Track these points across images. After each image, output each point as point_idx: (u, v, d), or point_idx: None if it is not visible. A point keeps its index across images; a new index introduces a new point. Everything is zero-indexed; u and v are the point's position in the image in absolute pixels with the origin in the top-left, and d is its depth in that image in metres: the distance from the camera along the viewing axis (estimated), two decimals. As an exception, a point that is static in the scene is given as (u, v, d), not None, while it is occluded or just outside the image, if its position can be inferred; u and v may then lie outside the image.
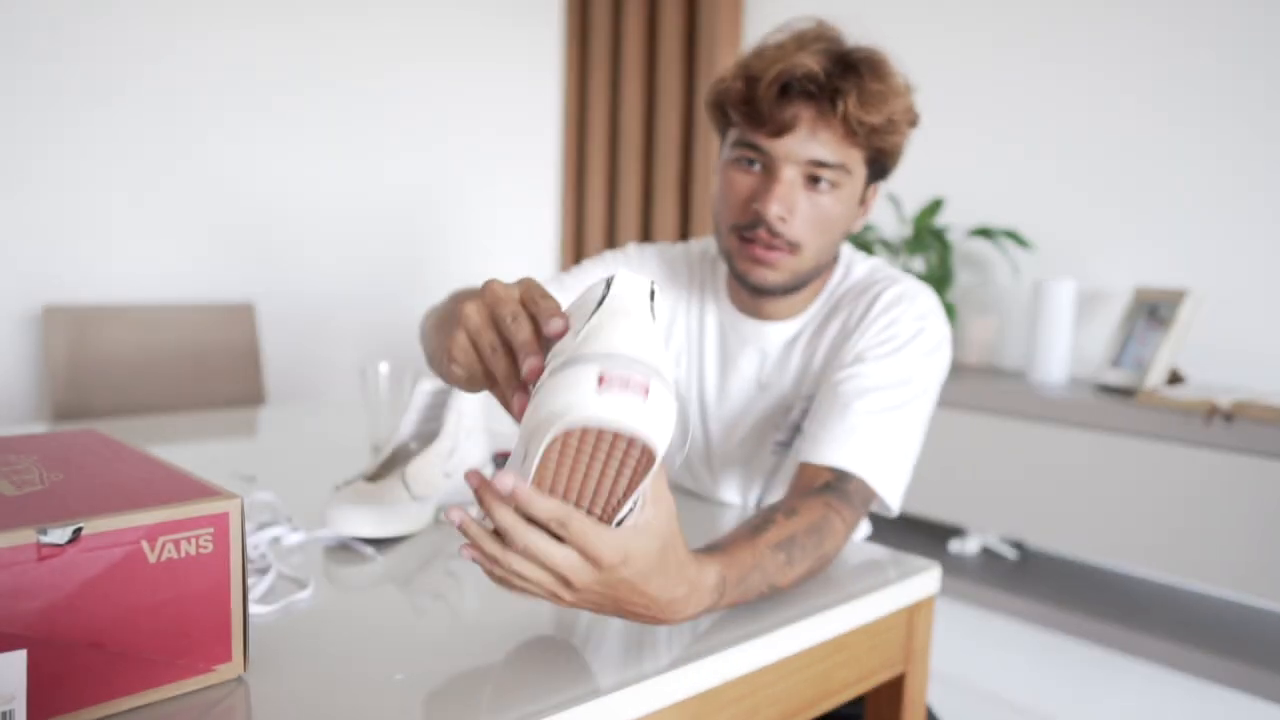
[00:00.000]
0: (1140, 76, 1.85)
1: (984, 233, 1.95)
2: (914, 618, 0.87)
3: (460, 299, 0.84)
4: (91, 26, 1.99)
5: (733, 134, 0.98)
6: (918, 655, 0.88)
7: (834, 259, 1.03)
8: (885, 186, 2.12)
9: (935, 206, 2.02)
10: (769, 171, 0.94)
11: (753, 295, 1.03)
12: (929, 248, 1.99)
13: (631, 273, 0.60)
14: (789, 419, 1.05)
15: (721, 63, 2.44)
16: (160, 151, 2.12)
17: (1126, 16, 1.86)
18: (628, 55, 2.64)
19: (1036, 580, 1.80)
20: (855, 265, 1.07)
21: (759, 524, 0.77)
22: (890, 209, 2.15)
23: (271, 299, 2.32)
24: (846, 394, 0.92)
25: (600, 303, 0.57)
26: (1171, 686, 1.78)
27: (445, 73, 2.59)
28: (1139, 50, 1.85)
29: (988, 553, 1.95)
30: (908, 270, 2.06)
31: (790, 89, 0.92)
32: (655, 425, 0.52)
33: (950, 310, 1.97)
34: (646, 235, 2.69)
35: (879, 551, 0.94)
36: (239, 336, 2.03)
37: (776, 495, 1.08)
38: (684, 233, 2.57)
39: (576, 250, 2.89)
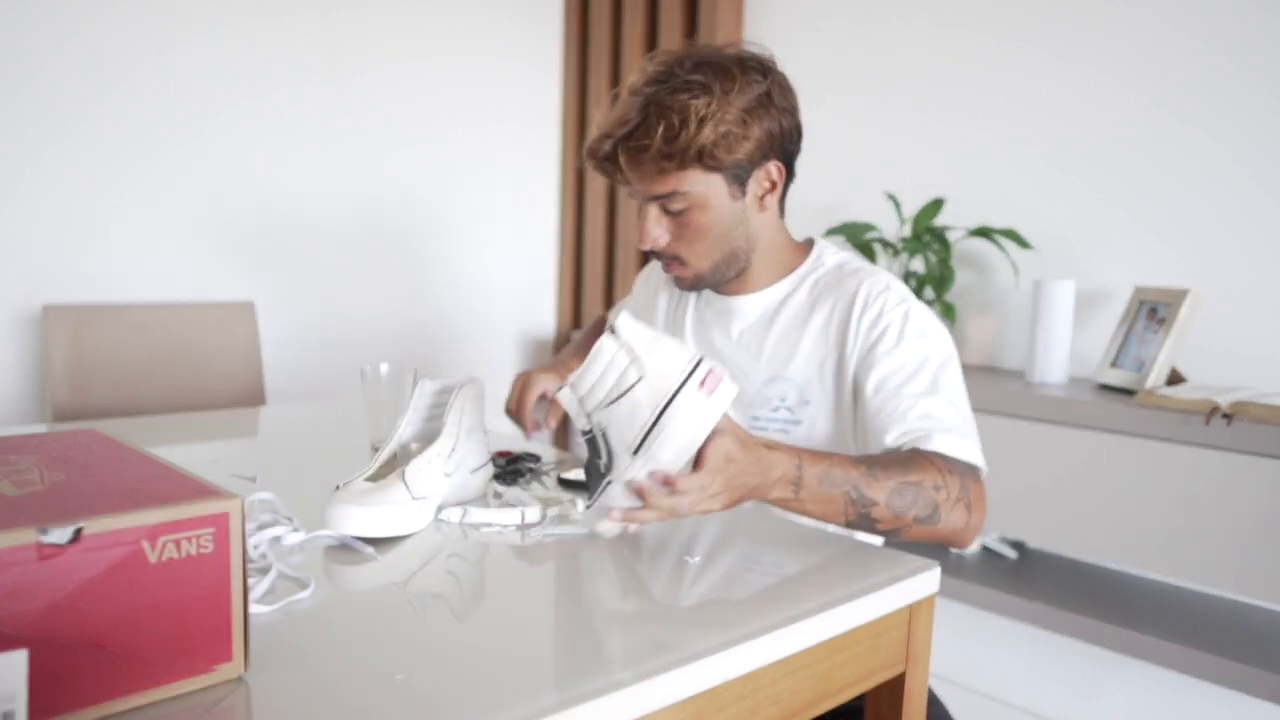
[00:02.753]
0: (1140, 76, 1.85)
1: (984, 233, 1.94)
2: (914, 618, 0.87)
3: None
4: (91, 26, 1.99)
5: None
6: (918, 655, 0.88)
7: (750, 241, 1.13)
8: (885, 186, 2.10)
9: (935, 206, 2.02)
10: (641, 210, 1.10)
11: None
12: (929, 248, 1.99)
13: (623, 320, 0.82)
14: (776, 390, 1.13)
15: (721, 63, 2.44)
16: (160, 151, 2.12)
17: (1127, 16, 1.86)
18: (628, 55, 2.64)
19: (1036, 580, 1.80)
20: (826, 255, 1.18)
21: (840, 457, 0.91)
22: (890, 209, 2.15)
23: (271, 299, 2.32)
24: (890, 401, 1.01)
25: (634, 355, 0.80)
26: (1171, 686, 1.78)
27: (446, 72, 2.59)
28: (1139, 50, 1.85)
29: (987, 553, 1.95)
30: (908, 270, 2.06)
31: (603, 157, 1.08)
32: (731, 390, 0.80)
33: (950, 310, 1.97)
34: (646, 235, 2.69)
35: (879, 551, 0.94)
36: (239, 336, 2.03)
37: None
38: (684, 233, 2.57)
39: (576, 250, 2.89)
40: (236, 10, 2.19)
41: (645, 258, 2.67)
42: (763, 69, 1.07)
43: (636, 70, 1.08)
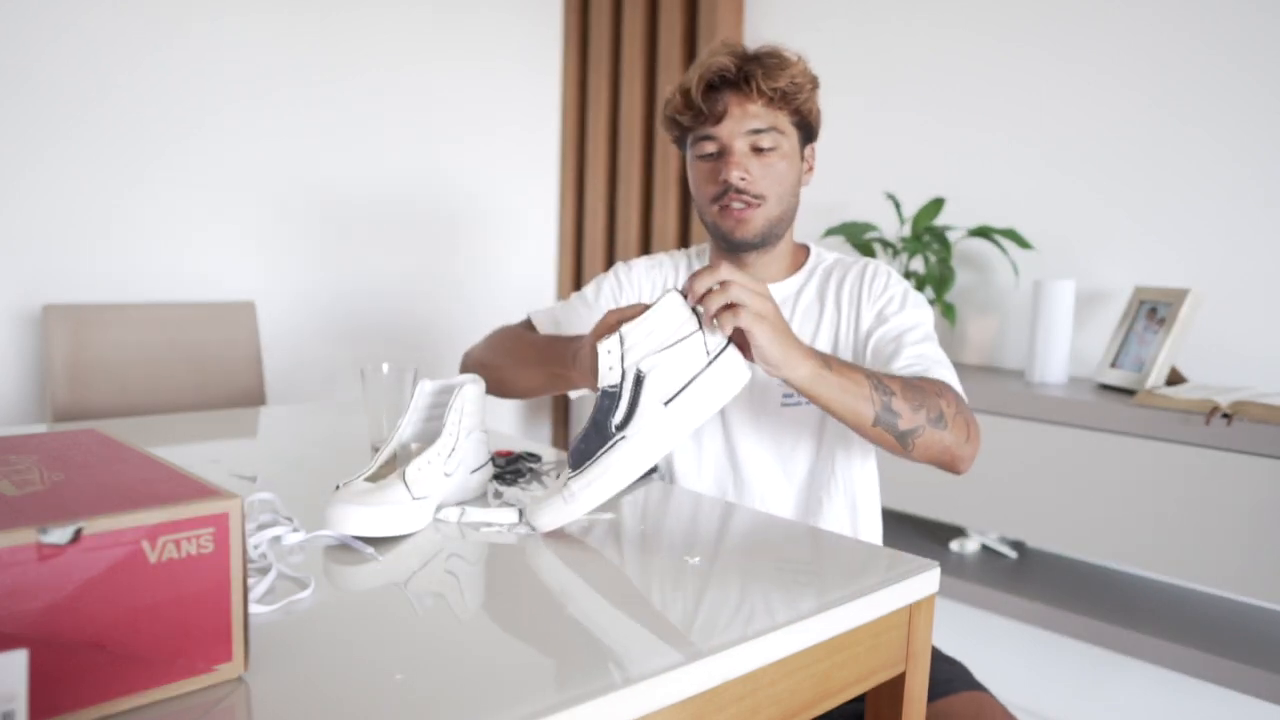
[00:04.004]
0: (1140, 76, 1.85)
1: (984, 233, 1.94)
2: (914, 617, 0.87)
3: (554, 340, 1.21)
4: (91, 26, 2.00)
5: (690, 136, 1.23)
6: (918, 655, 0.88)
7: (796, 207, 1.25)
8: (885, 186, 2.12)
9: (935, 206, 2.02)
10: (723, 150, 1.18)
11: (737, 254, 1.24)
12: (929, 248, 1.99)
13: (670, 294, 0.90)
14: None
15: (721, 63, 2.44)
16: (160, 151, 2.12)
17: (1127, 16, 1.86)
18: (628, 55, 2.64)
19: (1036, 580, 1.80)
20: (824, 254, 1.31)
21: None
22: (890, 209, 2.15)
23: (271, 299, 2.32)
24: (892, 342, 1.15)
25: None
26: (1170, 686, 1.78)
27: (446, 73, 2.59)
28: (1139, 50, 1.85)
29: (988, 552, 1.95)
30: (908, 270, 2.06)
31: (714, 85, 1.17)
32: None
33: (950, 310, 1.97)
34: (646, 235, 2.69)
35: (879, 551, 0.94)
36: (239, 336, 2.03)
37: (789, 444, 1.24)
38: (684, 231, 2.57)
39: (576, 249, 2.89)
40: (237, 10, 2.19)
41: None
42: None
43: (709, 51, 1.19)
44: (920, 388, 1.01)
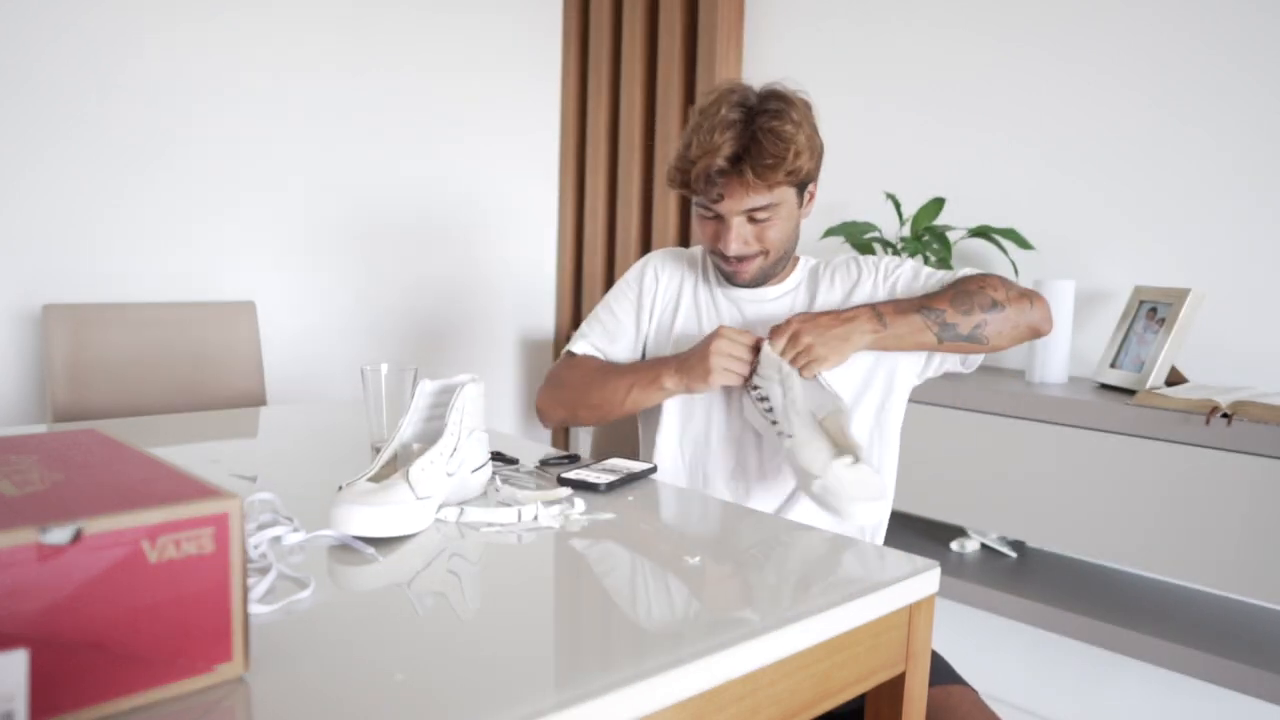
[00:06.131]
0: (1141, 76, 1.85)
1: (984, 233, 1.94)
2: (914, 617, 0.87)
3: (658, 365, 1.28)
4: (91, 26, 2.00)
5: (694, 197, 1.28)
6: (918, 655, 0.88)
7: (796, 242, 1.33)
8: (885, 186, 2.12)
9: (935, 206, 2.01)
10: (722, 220, 1.24)
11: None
12: (929, 248, 1.99)
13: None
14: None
15: (722, 63, 2.44)
16: (160, 151, 2.12)
17: (1127, 16, 1.86)
18: (628, 58, 2.64)
19: (1036, 580, 1.80)
20: (806, 258, 1.40)
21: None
22: (890, 209, 2.15)
23: (271, 299, 2.32)
24: (918, 286, 1.29)
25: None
26: (1171, 686, 1.78)
27: (446, 74, 2.59)
28: (1139, 50, 1.85)
29: (988, 552, 1.95)
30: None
31: (711, 176, 1.20)
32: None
33: (950, 310, 1.97)
34: (646, 235, 2.69)
35: (879, 551, 0.94)
36: (239, 336, 2.03)
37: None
38: (684, 231, 2.57)
39: (576, 251, 2.89)
40: (238, 13, 2.19)
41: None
42: (805, 102, 1.23)
43: (711, 100, 1.21)
44: (964, 290, 1.19)
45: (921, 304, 1.19)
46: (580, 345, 1.39)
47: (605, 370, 1.33)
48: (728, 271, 1.30)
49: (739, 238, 1.24)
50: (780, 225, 1.25)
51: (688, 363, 1.22)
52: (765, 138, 1.16)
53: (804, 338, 1.15)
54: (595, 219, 2.78)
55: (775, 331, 1.18)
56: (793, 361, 1.16)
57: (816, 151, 1.24)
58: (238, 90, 2.21)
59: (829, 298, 1.32)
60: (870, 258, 1.35)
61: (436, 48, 2.57)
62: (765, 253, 1.27)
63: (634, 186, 2.66)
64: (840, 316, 1.18)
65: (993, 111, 2.06)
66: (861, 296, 1.30)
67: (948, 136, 2.14)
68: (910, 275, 1.30)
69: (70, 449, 0.71)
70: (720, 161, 1.17)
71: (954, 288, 1.22)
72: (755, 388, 1.18)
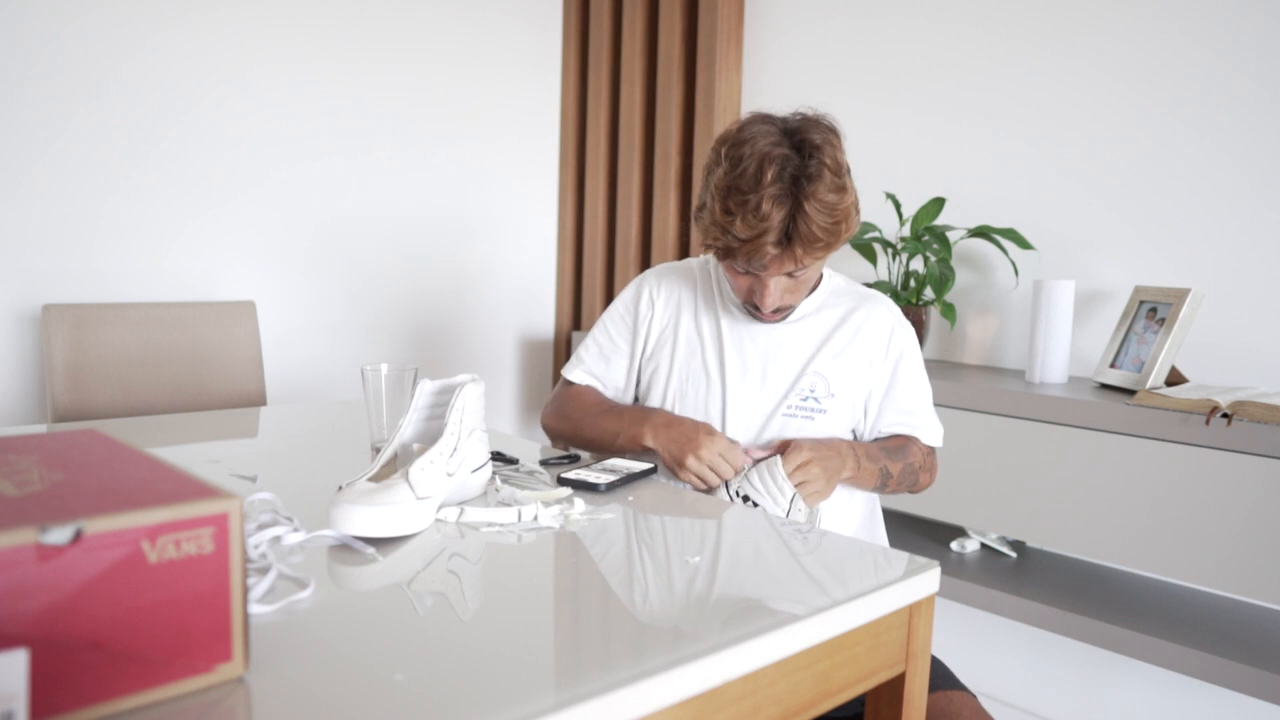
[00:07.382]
0: (1141, 77, 1.85)
1: (984, 233, 1.94)
2: (914, 617, 0.87)
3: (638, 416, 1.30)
4: (91, 26, 1.99)
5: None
6: (918, 655, 0.88)
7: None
8: (885, 186, 2.10)
9: (935, 206, 2.02)
10: (759, 278, 1.21)
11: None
12: (929, 248, 1.99)
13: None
14: (798, 385, 1.29)
15: (722, 63, 2.44)
16: (160, 151, 2.12)
17: (1127, 16, 1.86)
18: (628, 58, 2.64)
19: (1036, 580, 1.80)
20: (831, 275, 1.37)
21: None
22: (890, 209, 2.14)
23: (271, 299, 2.32)
24: (903, 412, 1.34)
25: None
26: (1171, 686, 1.78)
27: (446, 75, 2.59)
28: (1139, 50, 1.85)
29: (988, 552, 1.95)
30: (908, 270, 2.06)
31: (762, 255, 1.16)
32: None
33: (950, 310, 1.97)
34: (646, 235, 2.69)
35: (879, 551, 0.94)
36: (239, 336, 2.03)
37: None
38: (684, 232, 2.57)
39: (576, 251, 2.89)
40: (238, 13, 2.19)
41: (645, 262, 2.67)
42: (836, 134, 1.18)
43: (748, 155, 1.13)
44: (910, 464, 1.31)
45: (882, 462, 1.27)
46: (577, 374, 1.40)
47: (598, 411, 1.34)
48: (756, 318, 1.29)
49: (776, 294, 1.22)
50: (811, 275, 1.24)
51: (672, 437, 1.22)
52: (816, 214, 1.12)
53: (813, 468, 1.18)
54: (595, 219, 2.78)
55: (789, 454, 1.19)
56: (798, 486, 1.18)
57: (857, 202, 1.20)
58: (237, 90, 2.21)
59: (840, 343, 1.30)
60: (903, 328, 1.33)
61: (437, 48, 2.57)
62: (791, 306, 1.27)
63: (634, 186, 2.66)
64: (840, 453, 1.23)
65: (993, 111, 2.06)
66: (863, 370, 1.30)
67: (948, 136, 2.14)
68: (904, 396, 1.33)
69: (70, 449, 0.71)
70: (770, 248, 1.14)
71: (903, 455, 1.30)
72: (738, 491, 1.20)
